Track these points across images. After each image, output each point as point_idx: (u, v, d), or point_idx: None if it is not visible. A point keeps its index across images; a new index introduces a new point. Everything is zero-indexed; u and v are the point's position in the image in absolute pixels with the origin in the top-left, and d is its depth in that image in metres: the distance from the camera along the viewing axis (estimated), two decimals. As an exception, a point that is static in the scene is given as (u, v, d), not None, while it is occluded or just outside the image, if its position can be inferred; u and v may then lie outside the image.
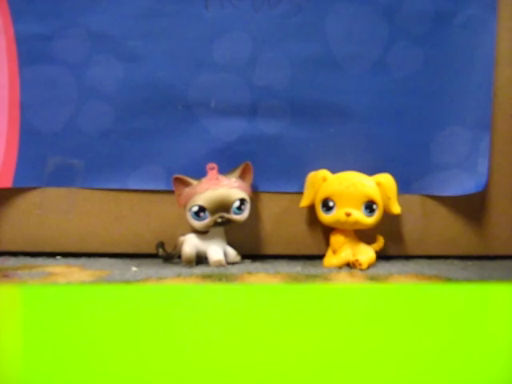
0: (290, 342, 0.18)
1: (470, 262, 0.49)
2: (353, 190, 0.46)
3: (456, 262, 0.50)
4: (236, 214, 0.46)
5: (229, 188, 0.46)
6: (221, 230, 0.48)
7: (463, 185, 0.50)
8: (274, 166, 0.50)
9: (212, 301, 0.24)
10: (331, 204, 0.47)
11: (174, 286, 0.37)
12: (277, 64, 0.49)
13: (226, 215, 0.46)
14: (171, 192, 0.48)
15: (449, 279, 0.42)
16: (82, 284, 0.34)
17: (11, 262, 0.48)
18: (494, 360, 0.16)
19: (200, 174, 0.48)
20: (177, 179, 0.47)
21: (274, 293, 0.27)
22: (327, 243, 0.49)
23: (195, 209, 0.46)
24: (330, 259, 0.47)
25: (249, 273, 0.44)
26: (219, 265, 0.46)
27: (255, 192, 0.50)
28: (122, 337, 0.18)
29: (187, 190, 0.47)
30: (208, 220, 0.46)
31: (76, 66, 0.49)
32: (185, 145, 0.50)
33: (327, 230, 0.49)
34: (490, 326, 0.20)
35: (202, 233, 0.47)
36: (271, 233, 0.50)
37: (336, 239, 0.48)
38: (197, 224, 0.46)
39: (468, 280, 0.42)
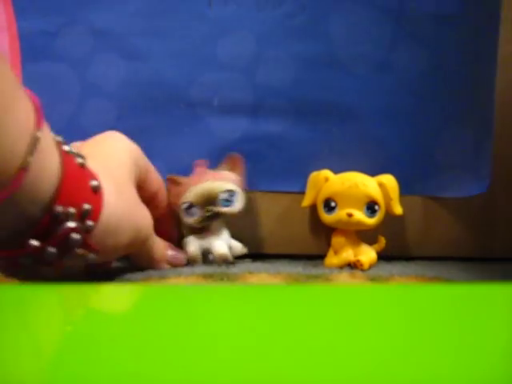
0: (291, 342, 0.18)
1: (471, 264, 0.49)
2: (355, 191, 0.46)
3: (457, 263, 0.50)
4: (225, 206, 0.45)
5: (213, 180, 0.45)
6: (220, 224, 0.47)
7: (465, 186, 0.50)
8: (276, 165, 0.50)
9: (212, 301, 0.24)
10: (333, 204, 0.47)
11: (174, 286, 0.37)
12: (280, 63, 0.49)
13: (215, 208, 0.45)
14: (173, 190, 0.48)
15: (450, 281, 0.42)
16: (81, 284, 0.34)
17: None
18: (495, 360, 0.16)
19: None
20: (169, 180, 0.47)
21: (274, 293, 0.27)
22: (329, 243, 0.49)
23: (185, 206, 0.46)
24: (331, 259, 0.47)
25: (250, 273, 0.44)
26: (225, 259, 0.45)
27: (256, 191, 0.50)
28: (121, 337, 0.18)
29: (177, 189, 0.46)
30: (197, 216, 0.45)
31: (79, 63, 0.49)
32: (187, 143, 0.50)
33: (329, 230, 0.49)
34: (491, 327, 0.20)
35: (201, 232, 0.47)
36: (272, 232, 0.50)
37: (337, 239, 0.48)
38: (189, 221, 0.46)
39: (469, 282, 0.42)
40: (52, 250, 0.29)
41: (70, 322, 0.20)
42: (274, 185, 0.50)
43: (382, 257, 0.49)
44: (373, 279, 0.43)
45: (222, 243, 0.46)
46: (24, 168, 0.27)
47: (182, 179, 0.47)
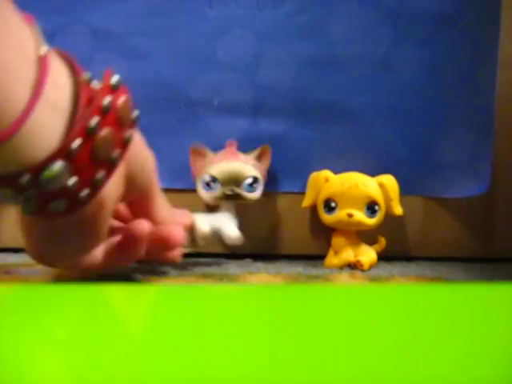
0: (291, 342, 0.18)
1: (471, 264, 0.49)
2: (355, 191, 0.46)
3: (458, 263, 0.50)
4: (247, 191, 0.46)
5: (244, 163, 0.46)
6: (231, 208, 0.47)
7: (466, 187, 0.50)
8: (276, 166, 0.50)
9: (212, 301, 0.24)
10: (333, 205, 0.47)
11: (173, 286, 0.37)
12: (280, 63, 0.49)
13: (237, 189, 0.45)
14: (174, 191, 0.48)
15: (450, 281, 0.42)
16: (82, 283, 0.34)
17: (13, 258, 0.48)
18: (495, 360, 0.16)
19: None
20: (193, 150, 0.47)
21: (274, 293, 0.27)
22: (329, 243, 0.49)
23: (207, 178, 0.45)
24: (331, 260, 0.47)
25: (250, 273, 0.44)
26: (236, 240, 0.44)
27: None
28: (121, 337, 0.18)
29: (202, 161, 0.47)
30: (218, 191, 0.45)
31: (79, 62, 0.49)
32: (187, 143, 0.50)
33: (329, 231, 0.49)
34: (491, 327, 0.20)
35: (211, 211, 0.47)
36: (272, 232, 0.50)
37: (337, 240, 0.48)
38: (206, 195, 0.46)
39: (469, 282, 0.42)
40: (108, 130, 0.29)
41: (70, 322, 0.20)
42: (274, 185, 0.50)
43: (383, 257, 0.49)
44: (373, 279, 0.43)
45: (233, 225, 0.46)
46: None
47: (208, 153, 0.47)
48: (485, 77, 0.49)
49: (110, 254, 0.35)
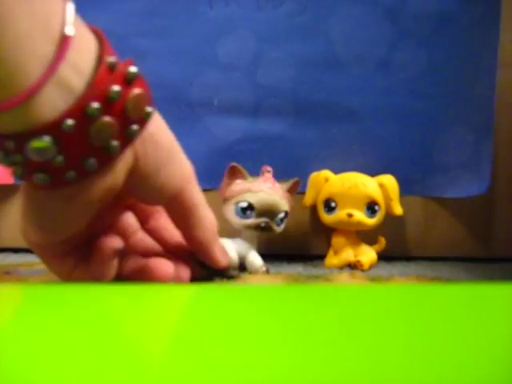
0: (291, 342, 0.18)
1: (472, 265, 0.49)
2: (355, 191, 0.46)
3: (457, 263, 0.50)
4: (276, 224, 0.45)
5: (281, 198, 0.45)
6: (254, 237, 0.46)
7: (466, 187, 0.50)
8: (276, 166, 0.50)
9: (212, 301, 0.24)
10: (333, 205, 0.47)
11: (174, 285, 0.36)
12: (281, 63, 0.49)
13: (271, 223, 0.44)
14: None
15: (450, 281, 0.42)
16: (82, 283, 0.34)
17: (12, 258, 0.48)
18: (495, 360, 0.16)
19: (201, 172, 0.47)
20: (233, 167, 0.45)
21: (274, 293, 0.27)
22: (329, 243, 0.49)
23: (244, 204, 0.44)
24: (331, 260, 0.47)
25: (249, 273, 0.44)
26: (262, 270, 0.44)
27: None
28: (121, 337, 0.18)
29: (240, 183, 0.45)
30: (252, 220, 0.44)
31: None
32: (187, 143, 0.49)
33: (329, 231, 0.49)
34: (491, 327, 0.20)
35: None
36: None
37: (337, 240, 0.48)
38: (238, 221, 0.44)
39: (469, 282, 0.42)
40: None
41: (70, 321, 0.20)
42: (274, 185, 0.50)
43: (382, 257, 0.49)
44: (373, 279, 0.43)
45: (257, 254, 0.45)
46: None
47: (248, 176, 0.45)
48: (485, 77, 0.49)
49: (83, 269, 0.33)
